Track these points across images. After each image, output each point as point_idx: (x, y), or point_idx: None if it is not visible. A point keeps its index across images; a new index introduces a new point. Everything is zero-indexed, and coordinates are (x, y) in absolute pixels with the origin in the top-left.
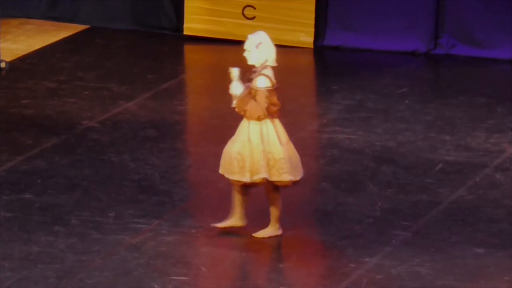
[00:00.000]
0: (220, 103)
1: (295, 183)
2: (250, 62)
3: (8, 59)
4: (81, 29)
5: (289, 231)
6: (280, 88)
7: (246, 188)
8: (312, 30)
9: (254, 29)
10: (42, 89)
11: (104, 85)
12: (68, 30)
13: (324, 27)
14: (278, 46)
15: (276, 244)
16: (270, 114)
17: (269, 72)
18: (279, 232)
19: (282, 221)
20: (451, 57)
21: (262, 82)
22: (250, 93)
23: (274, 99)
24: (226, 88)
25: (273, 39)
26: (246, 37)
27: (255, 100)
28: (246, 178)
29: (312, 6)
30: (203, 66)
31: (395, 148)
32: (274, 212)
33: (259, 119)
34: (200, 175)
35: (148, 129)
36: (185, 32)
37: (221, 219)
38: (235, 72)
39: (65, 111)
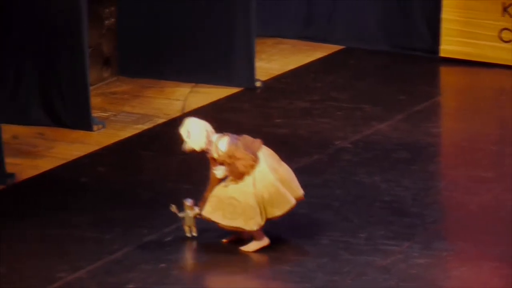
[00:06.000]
0: (474, 126)
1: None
2: (197, 149)
3: (263, 78)
4: (335, 50)
5: None
6: None
7: None
8: None
9: (510, 53)
10: (295, 108)
11: (357, 106)
12: (323, 50)
13: None
14: None
15: None
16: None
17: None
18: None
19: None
20: None
21: (223, 145)
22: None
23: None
24: (481, 110)
25: None
26: (502, 60)
27: (237, 159)
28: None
29: None
30: (459, 88)
31: None
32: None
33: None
34: (452, 197)
35: (400, 150)
36: (441, 54)
37: (473, 242)
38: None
39: (317, 131)
